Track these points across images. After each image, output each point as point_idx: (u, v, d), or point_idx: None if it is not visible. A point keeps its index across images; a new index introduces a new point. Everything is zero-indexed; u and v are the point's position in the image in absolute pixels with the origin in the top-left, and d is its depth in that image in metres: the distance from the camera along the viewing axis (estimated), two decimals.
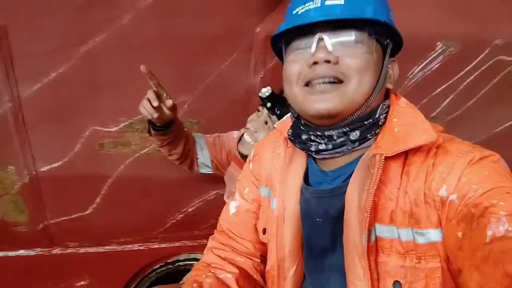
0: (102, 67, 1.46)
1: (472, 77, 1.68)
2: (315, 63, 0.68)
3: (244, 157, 1.40)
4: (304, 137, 0.75)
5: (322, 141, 0.73)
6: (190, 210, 1.89)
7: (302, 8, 0.70)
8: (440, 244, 0.64)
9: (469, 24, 1.56)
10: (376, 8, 0.69)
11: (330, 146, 0.72)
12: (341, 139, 0.71)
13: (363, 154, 0.72)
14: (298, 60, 0.71)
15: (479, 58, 1.64)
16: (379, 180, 0.66)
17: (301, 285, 0.84)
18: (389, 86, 0.75)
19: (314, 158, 0.79)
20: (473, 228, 0.57)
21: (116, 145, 1.64)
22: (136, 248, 1.90)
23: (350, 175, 0.72)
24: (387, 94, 0.76)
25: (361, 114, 0.71)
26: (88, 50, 1.42)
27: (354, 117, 0.70)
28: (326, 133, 0.72)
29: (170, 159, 1.53)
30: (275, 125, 0.94)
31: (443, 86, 1.71)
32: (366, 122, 0.71)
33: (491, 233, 0.54)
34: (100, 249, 1.86)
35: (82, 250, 1.85)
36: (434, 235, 0.64)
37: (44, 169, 1.62)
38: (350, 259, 0.70)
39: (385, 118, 0.72)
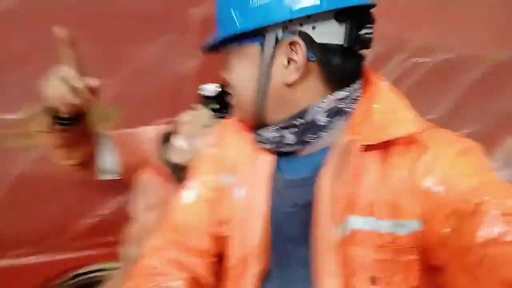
0: (7, 39, 1.24)
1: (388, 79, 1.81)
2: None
3: (174, 167, 1.18)
4: (255, 136, 0.76)
5: (265, 141, 0.74)
6: (105, 212, 1.69)
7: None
8: (420, 235, 0.61)
9: (386, 25, 1.68)
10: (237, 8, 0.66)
11: (268, 146, 0.74)
12: (282, 139, 0.71)
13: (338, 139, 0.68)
14: None
15: (395, 60, 1.76)
16: (357, 169, 0.63)
17: (266, 278, 0.76)
18: (292, 76, 0.66)
19: None
20: (463, 226, 0.55)
21: (18, 137, 1.39)
22: (39, 261, 1.62)
23: (321, 165, 0.68)
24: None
25: (260, 115, 0.71)
26: None
27: (257, 118, 0.72)
28: (264, 135, 0.73)
29: (64, 163, 1.17)
30: None
31: None
32: (294, 123, 0.69)
33: (484, 233, 0.52)
34: None
35: None
36: (415, 226, 0.61)
37: None
38: (320, 253, 0.66)
39: (341, 113, 0.68)
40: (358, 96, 0.69)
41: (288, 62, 0.65)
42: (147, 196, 1.28)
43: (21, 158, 1.43)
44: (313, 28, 0.64)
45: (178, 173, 1.14)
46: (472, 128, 1.83)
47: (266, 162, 0.76)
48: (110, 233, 1.69)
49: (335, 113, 0.68)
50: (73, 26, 1.23)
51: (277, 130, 0.71)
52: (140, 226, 1.26)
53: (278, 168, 0.75)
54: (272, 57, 0.65)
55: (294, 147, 0.71)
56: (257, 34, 0.65)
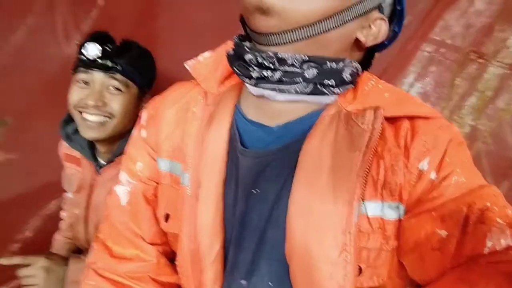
0: None
1: None
2: None
3: (71, 142, 1.14)
4: (248, 57, 0.61)
5: (270, 66, 0.59)
6: (29, 235, 1.51)
7: None
8: (399, 222, 0.58)
9: None
10: None
11: (277, 75, 0.59)
12: (295, 69, 0.59)
13: (316, 110, 0.63)
14: None
15: None
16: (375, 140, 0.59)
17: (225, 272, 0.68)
18: (361, 37, 0.63)
19: (244, 115, 0.67)
20: (467, 233, 0.52)
21: None
22: None
23: (303, 134, 0.61)
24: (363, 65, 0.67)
25: (311, 34, 0.58)
26: None
27: (304, 34, 0.58)
28: (279, 54, 0.59)
29: None
30: (186, 65, 0.73)
31: None
32: (328, 65, 0.60)
33: (491, 244, 0.50)
34: None
35: None
36: (403, 211, 0.58)
37: None
38: (314, 238, 0.58)
39: (353, 80, 0.64)
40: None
41: (369, 25, 0.64)
42: (72, 187, 1.22)
43: None
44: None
45: (79, 147, 1.14)
46: None
47: (219, 139, 0.66)
48: (42, 253, 1.55)
49: (352, 80, 0.64)
50: None
51: (305, 61, 0.60)
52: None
53: (239, 140, 0.66)
54: (370, 8, 0.62)
55: (300, 86, 0.60)
56: None
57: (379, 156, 0.59)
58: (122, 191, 0.77)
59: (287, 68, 0.59)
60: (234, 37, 0.67)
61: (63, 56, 1.25)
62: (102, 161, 1.14)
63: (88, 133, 1.04)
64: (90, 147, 1.13)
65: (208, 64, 0.74)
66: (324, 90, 0.61)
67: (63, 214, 1.31)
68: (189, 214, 0.66)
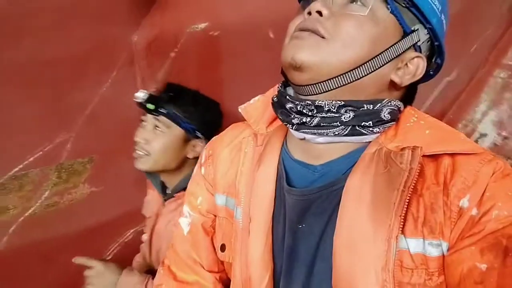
0: None
1: None
2: (309, 13, 0.63)
3: (148, 174, 1.28)
4: (289, 106, 0.65)
5: (309, 113, 0.63)
6: (108, 259, 1.54)
7: None
8: (443, 258, 0.57)
9: None
10: None
11: (315, 121, 0.63)
12: (332, 114, 0.62)
13: (357, 149, 0.64)
14: (300, 13, 0.67)
15: None
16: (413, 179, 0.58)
17: None
18: (396, 78, 0.65)
19: (290, 154, 0.70)
20: (506, 265, 0.52)
21: None
22: None
23: (346, 173, 0.63)
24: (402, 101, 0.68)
25: (344, 83, 0.62)
26: None
27: (337, 83, 0.62)
28: (317, 102, 0.62)
29: None
30: (239, 109, 0.79)
31: None
32: (365, 106, 0.62)
33: None
34: None
35: None
36: (446, 248, 0.57)
37: None
38: (356, 274, 0.59)
39: (394, 118, 0.65)
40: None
41: (406, 64, 0.65)
42: (148, 212, 1.38)
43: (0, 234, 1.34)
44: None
45: (153, 180, 1.30)
46: None
47: (268, 178, 0.69)
48: None
49: (392, 118, 0.65)
50: (2, 88, 1.14)
51: (341, 106, 0.62)
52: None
53: (285, 178, 0.69)
54: (403, 51, 0.64)
55: (338, 129, 0.63)
56: (415, 22, 0.65)
57: (418, 194, 0.59)
58: (184, 222, 0.83)
59: (324, 114, 0.62)
60: (278, 85, 0.72)
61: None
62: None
63: (136, 165, 1.19)
64: (162, 183, 1.26)
65: (258, 107, 0.79)
66: (362, 130, 0.63)
67: (143, 237, 1.42)
68: (240, 246, 0.71)
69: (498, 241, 0.53)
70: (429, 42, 0.67)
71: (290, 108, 0.65)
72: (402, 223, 0.57)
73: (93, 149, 1.40)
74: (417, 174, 0.58)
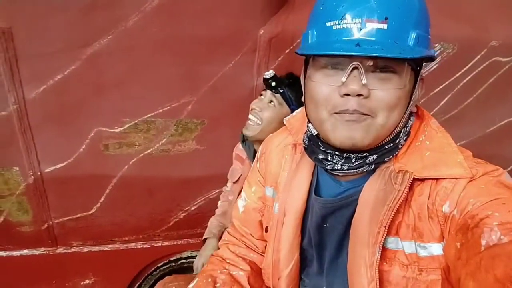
0: (106, 69, 1.47)
1: (469, 77, 1.72)
2: (347, 94, 0.64)
3: (244, 144, 1.48)
4: (320, 156, 0.73)
5: (339, 162, 0.71)
6: (192, 208, 1.91)
7: (339, 24, 0.63)
8: (442, 257, 0.66)
9: (466, 26, 1.60)
10: (419, 32, 0.63)
11: (345, 167, 0.71)
12: (359, 162, 0.70)
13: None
14: (327, 83, 0.67)
15: (476, 59, 1.68)
16: (403, 197, 0.67)
17: (298, 287, 0.87)
18: (413, 109, 0.73)
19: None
20: (468, 238, 0.58)
21: (120, 145, 1.65)
22: (139, 247, 1.92)
23: (361, 186, 0.73)
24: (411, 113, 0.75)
25: (385, 142, 0.70)
26: (93, 52, 1.43)
27: (377, 145, 0.70)
28: (345, 155, 0.71)
29: None
30: (284, 120, 0.93)
31: (441, 86, 1.74)
32: (386, 147, 0.70)
33: (485, 242, 0.55)
34: (104, 248, 1.87)
35: (85, 249, 1.86)
36: (436, 249, 0.66)
37: (48, 169, 1.62)
38: (355, 268, 0.71)
39: (407, 138, 0.72)
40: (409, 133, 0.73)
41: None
42: (233, 179, 1.61)
43: (123, 163, 1.69)
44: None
45: (247, 149, 1.48)
46: None
47: (302, 185, 0.81)
48: (198, 226, 1.95)
49: (405, 140, 0.72)
50: (156, 53, 1.45)
51: (367, 155, 0.70)
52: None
53: (316, 187, 0.80)
54: (416, 85, 0.68)
55: (364, 168, 0.70)
56: (421, 62, 0.68)
57: (409, 205, 0.68)
58: (240, 204, 0.99)
59: (352, 163, 0.71)
60: (304, 136, 0.79)
61: (252, 85, 1.61)
62: None
63: (244, 131, 1.41)
64: (254, 152, 1.48)
65: (299, 118, 0.87)
66: (384, 160, 0.71)
67: (219, 203, 1.69)
68: (275, 234, 0.84)
69: (465, 222, 0.60)
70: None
71: (322, 158, 0.73)
72: (386, 232, 0.66)
73: (206, 114, 1.65)
74: (406, 193, 0.66)
